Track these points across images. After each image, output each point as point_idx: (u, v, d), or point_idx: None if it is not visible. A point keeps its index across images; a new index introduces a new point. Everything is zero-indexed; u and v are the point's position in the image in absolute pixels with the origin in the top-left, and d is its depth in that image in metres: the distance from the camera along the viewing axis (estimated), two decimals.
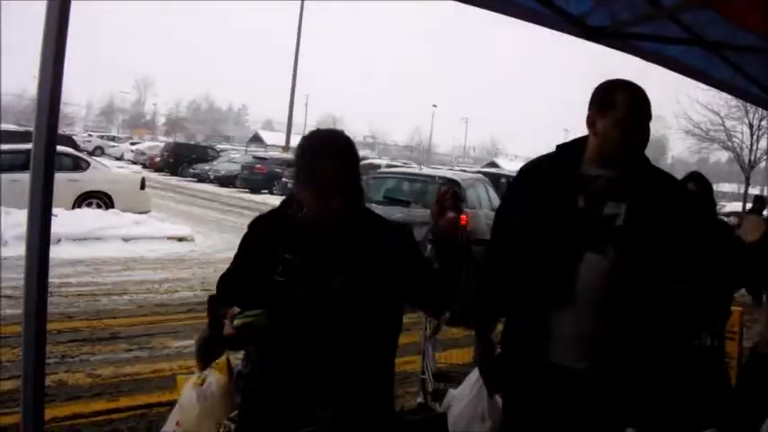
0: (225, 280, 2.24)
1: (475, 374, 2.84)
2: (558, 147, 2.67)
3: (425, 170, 16.18)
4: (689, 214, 2.64)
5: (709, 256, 2.75)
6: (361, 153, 3.49)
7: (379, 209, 10.69)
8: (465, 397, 2.86)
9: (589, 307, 2.43)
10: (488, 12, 2.96)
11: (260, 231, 2.22)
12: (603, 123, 2.44)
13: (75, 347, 5.93)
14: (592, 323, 2.44)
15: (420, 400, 4.99)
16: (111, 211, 13.76)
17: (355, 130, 71.54)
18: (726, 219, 13.59)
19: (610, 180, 2.49)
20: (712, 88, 4.07)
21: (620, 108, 2.41)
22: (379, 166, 22.46)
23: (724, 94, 19.57)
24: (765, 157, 35.36)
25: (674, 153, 75.01)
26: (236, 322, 1.94)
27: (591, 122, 2.48)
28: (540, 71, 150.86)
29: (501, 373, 2.73)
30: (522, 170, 2.79)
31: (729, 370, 3.90)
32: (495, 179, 23.33)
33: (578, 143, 2.58)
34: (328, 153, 2.07)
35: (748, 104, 32.22)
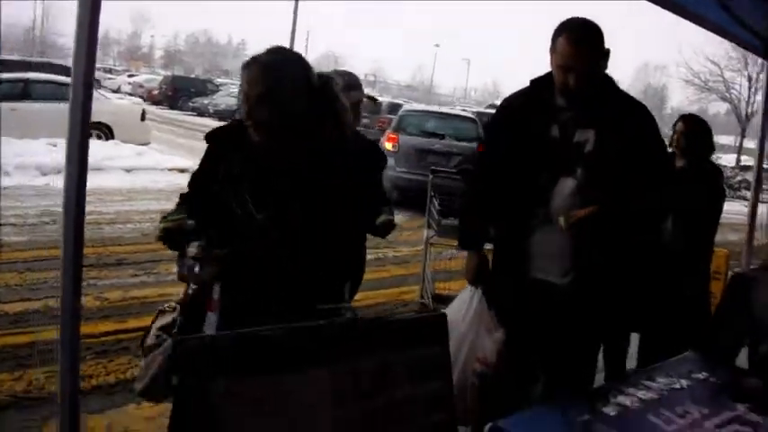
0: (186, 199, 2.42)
1: (467, 291, 3.01)
2: (531, 81, 2.91)
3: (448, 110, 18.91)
4: (651, 137, 2.82)
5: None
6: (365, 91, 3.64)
7: (417, 140, 11.74)
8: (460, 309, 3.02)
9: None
10: None
11: (216, 149, 2.36)
12: (553, 64, 2.72)
13: (83, 272, 6.07)
14: (567, 240, 2.71)
15: None
16: (111, 141, 13.81)
17: (357, 67, 70.82)
18: None
19: (577, 110, 2.73)
20: (712, 34, 4.10)
21: (558, 52, 2.67)
22: (380, 104, 22.49)
23: (726, 44, 19.63)
24: (762, 110, 35.43)
25: (673, 104, 74.89)
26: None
27: (550, 61, 2.74)
28: (541, 7, 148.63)
29: (493, 288, 2.97)
30: (503, 105, 3.06)
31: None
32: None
33: (549, 77, 2.80)
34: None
35: (748, 56, 32.26)
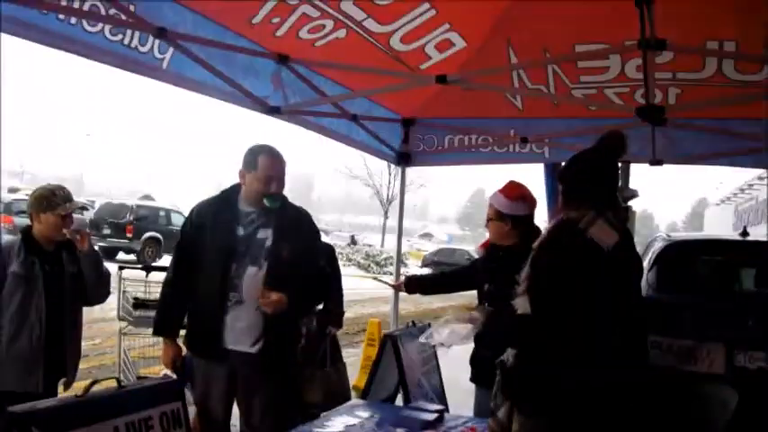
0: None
1: None
2: (222, 192, 3.72)
3: None
4: (310, 234, 3.78)
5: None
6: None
7: None
8: None
9: (253, 305, 3.45)
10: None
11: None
12: (249, 178, 3.56)
13: None
14: (256, 317, 3.48)
15: None
16: None
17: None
18: None
19: (259, 214, 3.57)
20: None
21: (260, 169, 3.52)
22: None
23: None
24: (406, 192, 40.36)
25: (321, 190, 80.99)
26: None
27: (242, 176, 3.59)
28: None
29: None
30: (195, 208, 3.76)
31: None
32: (155, 212, 23.79)
33: (235, 188, 3.65)
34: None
35: None
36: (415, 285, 4.76)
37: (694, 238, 7.11)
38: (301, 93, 4.38)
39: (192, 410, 3.30)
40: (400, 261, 6.27)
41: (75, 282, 3.78)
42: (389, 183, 40.00)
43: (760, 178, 26.72)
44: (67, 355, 3.78)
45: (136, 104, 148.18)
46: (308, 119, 4.71)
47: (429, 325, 5.56)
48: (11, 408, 2.17)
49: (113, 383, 2.71)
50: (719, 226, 33.94)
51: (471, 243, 71.95)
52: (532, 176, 6.27)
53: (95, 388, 2.55)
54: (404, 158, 5.89)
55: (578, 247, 2.66)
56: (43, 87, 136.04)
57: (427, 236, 72.88)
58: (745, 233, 6.34)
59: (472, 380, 4.11)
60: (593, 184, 2.84)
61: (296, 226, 3.62)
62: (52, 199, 3.69)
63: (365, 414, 3.56)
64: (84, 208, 22.90)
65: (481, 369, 3.87)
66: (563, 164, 3.18)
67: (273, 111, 4.20)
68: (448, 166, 6.53)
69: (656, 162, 5.33)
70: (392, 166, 37.05)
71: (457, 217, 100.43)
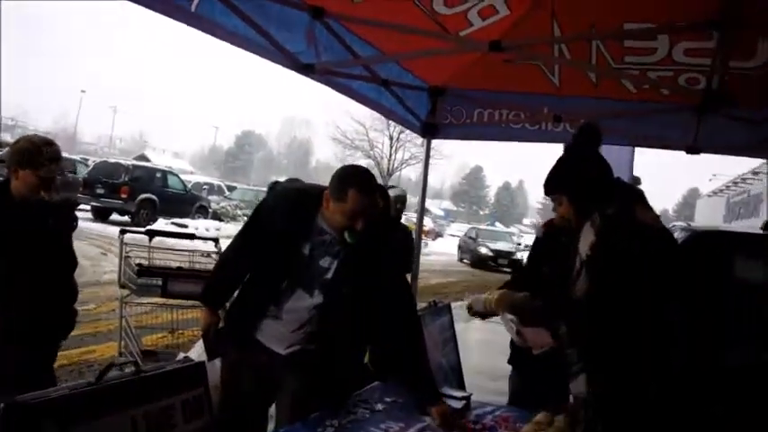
0: None
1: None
2: (305, 189, 3.24)
3: None
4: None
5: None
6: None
7: None
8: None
9: (289, 326, 3.08)
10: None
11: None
12: (334, 207, 2.97)
13: None
14: (291, 337, 3.09)
15: None
16: None
17: None
18: None
19: (332, 239, 3.05)
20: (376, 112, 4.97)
21: (349, 203, 2.92)
22: None
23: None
24: (403, 167, 40.00)
25: (320, 157, 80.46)
26: None
27: (326, 199, 3.00)
28: (189, 70, 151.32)
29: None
30: (278, 195, 3.27)
31: None
32: (151, 173, 23.41)
33: (317, 198, 3.05)
34: None
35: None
36: None
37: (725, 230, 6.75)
38: (333, 52, 4.04)
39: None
40: (420, 238, 5.97)
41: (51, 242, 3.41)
42: (390, 156, 39.61)
43: (754, 173, 26.61)
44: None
45: (134, 54, 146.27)
46: (338, 80, 4.37)
47: (449, 305, 5.31)
48: (20, 397, 1.86)
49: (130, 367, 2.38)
50: (711, 217, 33.98)
51: (465, 219, 71.93)
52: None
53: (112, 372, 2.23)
54: (430, 130, 5.57)
55: (643, 234, 2.56)
56: (39, 38, 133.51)
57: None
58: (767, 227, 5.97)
59: (510, 362, 3.92)
60: (608, 177, 2.75)
61: (370, 262, 3.12)
62: (36, 156, 3.23)
63: (389, 399, 3.28)
64: (73, 172, 22.52)
65: (521, 351, 3.57)
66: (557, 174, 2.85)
67: (306, 69, 3.87)
68: (474, 141, 6.18)
69: (693, 150, 5.07)
70: (395, 138, 37.16)
71: (451, 193, 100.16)
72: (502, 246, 29.00)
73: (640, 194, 2.76)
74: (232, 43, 3.43)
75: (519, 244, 31.47)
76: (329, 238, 3.04)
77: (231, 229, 16.87)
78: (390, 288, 3.17)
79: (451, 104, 5.53)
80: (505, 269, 26.63)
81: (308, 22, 3.78)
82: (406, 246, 5.67)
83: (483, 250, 28.39)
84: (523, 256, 29.38)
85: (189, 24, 3.19)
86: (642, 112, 5.05)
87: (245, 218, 21.37)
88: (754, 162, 23.76)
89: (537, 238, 3.80)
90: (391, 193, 5.85)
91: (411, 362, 3.12)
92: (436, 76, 5.27)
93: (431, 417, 2.99)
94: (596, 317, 2.50)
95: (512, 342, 3.74)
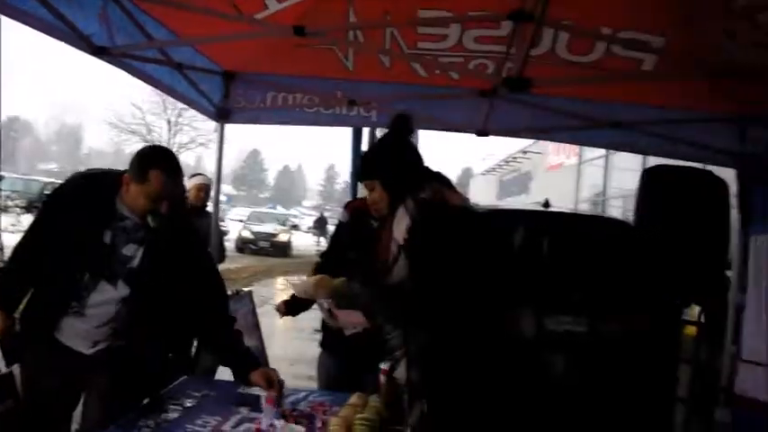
0: None
1: None
2: (97, 174, 3.13)
3: None
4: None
5: None
6: None
7: None
8: None
9: (94, 321, 2.99)
10: None
11: None
12: (135, 190, 2.91)
13: None
14: (96, 333, 3.01)
15: None
16: None
17: None
18: None
19: (135, 225, 2.98)
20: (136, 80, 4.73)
21: (152, 184, 2.88)
22: None
23: (148, 89, 21.12)
24: (182, 151, 38.71)
25: (93, 144, 75.33)
26: None
27: (126, 181, 2.94)
28: None
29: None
30: (70, 184, 3.14)
31: None
32: None
33: (113, 182, 2.98)
34: None
35: (167, 101, 35.07)
36: None
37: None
38: (128, 33, 3.89)
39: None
40: (218, 225, 5.95)
41: None
42: (168, 140, 38.07)
43: (523, 152, 29.17)
44: None
45: None
46: (132, 63, 4.20)
47: (251, 293, 5.38)
48: None
49: None
50: (485, 195, 36.63)
51: (246, 203, 71.04)
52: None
53: None
54: (223, 114, 5.54)
55: (455, 215, 2.60)
56: None
57: None
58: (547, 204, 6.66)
59: (322, 345, 3.92)
60: (419, 163, 2.94)
61: (178, 248, 3.09)
62: None
63: (197, 393, 3.21)
64: None
65: (334, 334, 3.57)
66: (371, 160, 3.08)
67: (100, 51, 3.68)
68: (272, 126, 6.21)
69: (483, 133, 5.48)
70: (172, 122, 35.85)
71: (232, 177, 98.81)
72: (266, 228, 28.71)
73: (447, 181, 2.93)
74: (22, 22, 3.16)
75: (294, 226, 31.45)
76: (131, 223, 2.97)
77: (4, 221, 15.41)
78: (201, 277, 3.17)
79: (245, 89, 5.49)
80: (269, 251, 26.76)
81: (100, 2, 3.61)
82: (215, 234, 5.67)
83: (245, 233, 27.99)
84: (290, 237, 29.54)
85: None
86: (433, 96, 5.26)
87: (19, 209, 19.52)
88: (524, 142, 26.02)
89: (340, 222, 3.82)
90: (196, 180, 5.80)
91: (224, 336, 3.14)
92: (231, 61, 5.24)
93: (254, 383, 2.99)
94: (416, 301, 2.49)
95: (323, 324, 3.76)
